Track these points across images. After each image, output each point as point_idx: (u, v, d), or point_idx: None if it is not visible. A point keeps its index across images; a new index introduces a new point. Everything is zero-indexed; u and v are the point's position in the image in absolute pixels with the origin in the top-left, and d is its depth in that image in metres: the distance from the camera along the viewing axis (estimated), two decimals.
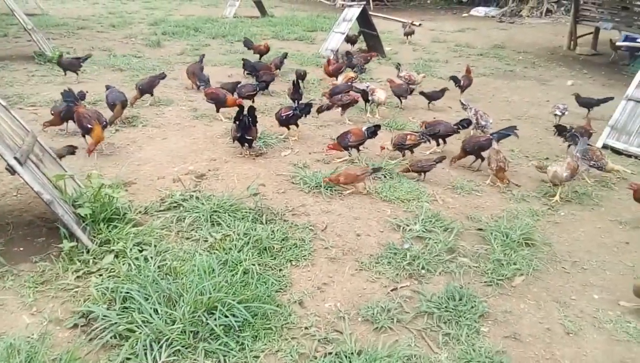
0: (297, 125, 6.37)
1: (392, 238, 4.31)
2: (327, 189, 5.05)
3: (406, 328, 3.28)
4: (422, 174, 5.48)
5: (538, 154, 6.47)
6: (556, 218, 4.85)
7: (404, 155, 5.95)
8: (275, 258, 3.90)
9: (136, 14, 16.76)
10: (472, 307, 3.43)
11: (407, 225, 4.48)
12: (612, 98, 7.68)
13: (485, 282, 3.80)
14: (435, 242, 4.20)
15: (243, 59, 9.32)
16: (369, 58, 10.26)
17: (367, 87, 7.60)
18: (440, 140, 6.28)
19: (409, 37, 13.10)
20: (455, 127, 6.23)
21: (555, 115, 7.47)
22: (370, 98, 7.42)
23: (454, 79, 8.78)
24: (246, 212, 4.42)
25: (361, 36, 12.51)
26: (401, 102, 8.10)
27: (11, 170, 3.49)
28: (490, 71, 11.17)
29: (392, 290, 3.63)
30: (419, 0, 23.62)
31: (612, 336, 3.32)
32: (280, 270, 3.78)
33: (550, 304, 3.60)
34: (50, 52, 9.75)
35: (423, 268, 3.89)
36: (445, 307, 3.42)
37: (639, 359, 3.14)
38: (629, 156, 6.46)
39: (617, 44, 12.04)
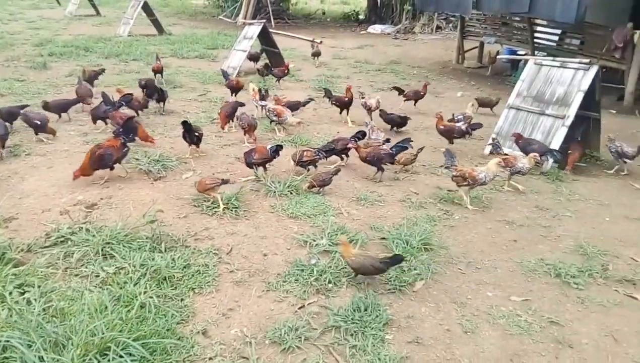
0: (197, 145, 6.20)
1: (299, 254, 4.31)
2: (231, 210, 4.95)
3: (314, 346, 3.26)
4: (322, 187, 5.54)
5: (433, 163, 6.83)
6: (451, 222, 5.13)
7: (308, 171, 6.00)
8: (176, 287, 3.72)
9: (19, 35, 15.49)
10: (377, 316, 3.50)
11: (314, 241, 4.50)
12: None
13: (388, 289, 3.90)
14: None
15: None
16: (285, 71, 10.49)
17: (266, 106, 7.60)
18: (343, 155, 6.43)
19: (316, 57, 13.26)
20: (352, 139, 6.44)
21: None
22: (274, 118, 7.43)
23: (398, 89, 9.46)
24: (143, 241, 4.19)
25: (264, 53, 12.56)
26: None
27: None
28: (388, 86, 11.68)
29: (299, 308, 3.61)
30: (319, 18, 24.27)
31: (506, 331, 3.54)
32: (181, 300, 3.61)
33: (448, 305, 3.77)
34: None
35: (330, 282, 3.92)
36: (352, 319, 3.46)
37: (531, 350, 3.37)
38: None
39: (497, 57, 13.17)
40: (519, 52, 13.27)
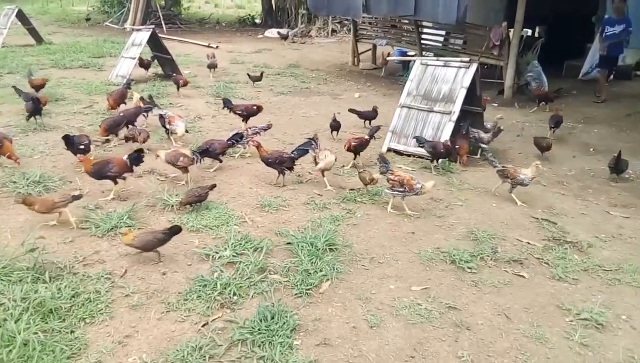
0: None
1: (202, 269, 4.15)
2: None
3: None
4: (197, 204, 5.24)
5: (335, 164, 6.92)
6: (354, 220, 5.24)
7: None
8: (64, 319, 3.41)
9: None
10: (284, 323, 3.46)
11: (217, 253, 4.36)
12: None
13: (295, 294, 3.88)
14: (246, 265, 4.17)
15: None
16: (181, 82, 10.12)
17: (165, 114, 7.27)
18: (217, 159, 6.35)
19: (212, 69, 12.43)
20: (229, 142, 6.46)
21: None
22: (167, 126, 7.12)
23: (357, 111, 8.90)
24: (23, 272, 3.79)
25: (155, 61, 12.03)
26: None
27: None
28: (288, 89, 11.74)
29: (203, 326, 3.47)
30: (214, 23, 23.80)
31: (408, 321, 3.68)
32: (71, 332, 3.32)
33: (354, 302, 3.84)
34: None
35: (235, 294, 3.81)
36: (258, 329, 3.39)
37: (432, 337, 3.52)
38: (409, 155, 7.36)
39: (388, 58, 13.78)
40: (409, 53, 13.99)
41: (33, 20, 16.11)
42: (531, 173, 5.81)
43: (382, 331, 3.55)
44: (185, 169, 5.80)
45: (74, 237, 4.46)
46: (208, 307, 3.66)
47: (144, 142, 6.69)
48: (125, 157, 5.41)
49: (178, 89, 10.27)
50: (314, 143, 6.17)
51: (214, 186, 5.41)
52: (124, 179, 5.43)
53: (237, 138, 6.48)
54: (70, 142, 5.90)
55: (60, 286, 3.69)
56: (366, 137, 6.91)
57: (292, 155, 6.11)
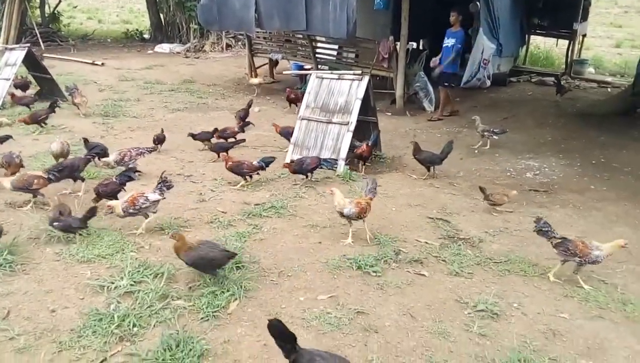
0: None
1: (96, 302, 3.84)
2: (4, 266, 4.16)
3: None
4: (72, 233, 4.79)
5: (238, 179, 6.81)
6: (261, 235, 5.17)
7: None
8: None
9: None
10: (191, 350, 3.31)
11: (112, 283, 4.06)
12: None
13: (201, 318, 3.73)
14: (146, 293, 3.93)
15: None
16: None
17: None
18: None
19: (80, 107, 9.90)
20: (88, 157, 6.26)
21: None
22: None
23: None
24: None
25: (33, 81, 11.05)
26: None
27: None
28: (184, 105, 11.39)
29: (101, 362, 3.19)
30: (99, 39, 22.45)
31: (319, 330, 3.68)
32: None
33: (264, 320, 3.71)
34: None
35: (134, 325, 3.57)
36: (163, 359, 3.20)
37: (343, 344, 3.55)
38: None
39: (285, 72, 13.95)
40: (305, 67, 14.26)
41: None
42: (609, 250, 4.38)
43: None
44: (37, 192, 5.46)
45: None
46: (105, 342, 3.39)
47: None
48: None
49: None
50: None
51: (94, 209, 4.93)
52: None
53: (99, 150, 6.36)
54: None
55: None
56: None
57: (116, 180, 5.70)
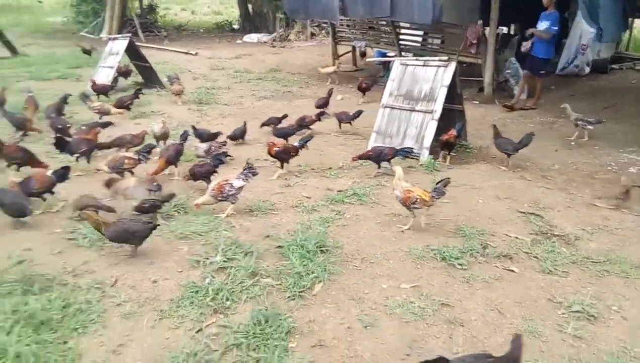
0: None
1: (193, 276, 4.11)
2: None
3: None
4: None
5: (322, 166, 6.94)
6: (343, 221, 5.24)
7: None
8: (56, 330, 3.35)
9: None
10: (279, 326, 3.45)
11: (207, 259, 4.32)
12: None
13: (288, 297, 3.87)
14: (237, 270, 4.14)
15: None
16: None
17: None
18: None
19: (179, 96, 10.46)
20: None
21: None
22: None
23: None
24: (12, 285, 3.72)
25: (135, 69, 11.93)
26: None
27: None
28: (270, 93, 11.75)
29: (197, 332, 3.44)
30: (192, 29, 23.66)
31: (402, 319, 3.69)
32: (64, 342, 3.26)
33: (347, 303, 3.84)
34: None
35: (227, 299, 3.78)
36: (253, 333, 3.37)
37: (426, 334, 3.53)
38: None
39: (368, 59, 13.88)
40: (388, 54, 14.10)
41: (6, 33, 15.78)
42: None
43: (377, 330, 3.55)
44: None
45: (63, 248, 4.39)
46: (201, 313, 3.63)
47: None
48: (49, 172, 5.35)
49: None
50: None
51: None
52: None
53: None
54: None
55: (50, 297, 3.62)
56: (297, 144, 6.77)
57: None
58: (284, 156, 6.54)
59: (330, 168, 6.83)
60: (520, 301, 3.95)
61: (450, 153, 7.22)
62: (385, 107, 7.86)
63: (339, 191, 6.00)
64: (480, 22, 11.01)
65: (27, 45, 17.24)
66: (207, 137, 7.40)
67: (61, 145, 6.30)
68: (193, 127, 7.52)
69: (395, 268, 4.38)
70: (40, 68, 13.07)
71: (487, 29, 11.00)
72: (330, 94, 10.00)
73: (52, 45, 17.92)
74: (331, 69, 13.50)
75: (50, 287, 3.82)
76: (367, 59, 13.67)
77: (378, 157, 6.68)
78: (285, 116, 8.58)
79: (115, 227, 4.26)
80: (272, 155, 6.56)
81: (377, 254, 4.58)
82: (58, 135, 6.59)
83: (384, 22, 13.65)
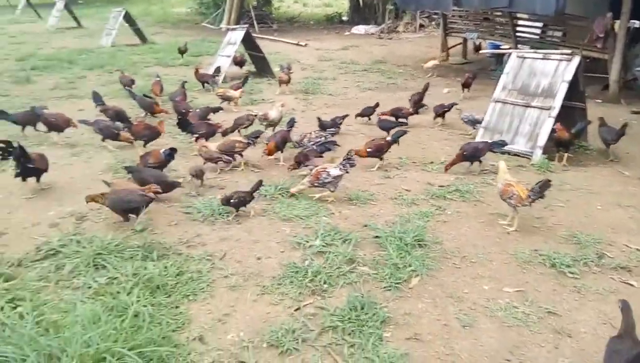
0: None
1: (294, 257, 4.28)
2: (222, 216, 4.91)
3: (312, 347, 3.24)
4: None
5: (423, 160, 6.82)
6: (444, 217, 5.12)
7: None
8: (170, 295, 3.68)
9: (1, 50, 15.32)
10: (374, 314, 3.48)
11: (307, 242, 4.48)
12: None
13: (384, 287, 3.88)
14: (335, 255, 4.24)
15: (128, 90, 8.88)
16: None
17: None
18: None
19: (283, 86, 10.69)
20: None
21: (465, 122, 7.91)
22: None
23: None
24: (134, 250, 4.14)
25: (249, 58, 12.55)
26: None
27: None
28: (375, 85, 11.73)
29: (295, 310, 3.58)
30: (303, 21, 24.31)
31: (504, 323, 3.54)
32: (176, 307, 3.57)
33: (445, 300, 3.76)
34: None
35: (325, 282, 3.89)
36: (349, 318, 3.44)
37: (529, 342, 3.36)
38: (502, 153, 7.05)
39: (481, 51, 13.27)
40: (502, 47, 13.36)
41: (138, 22, 17.40)
42: None
43: (475, 331, 3.44)
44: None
45: (179, 221, 4.79)
46: (300, 292, 3.77)
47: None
48: (162, 151, 5.76)
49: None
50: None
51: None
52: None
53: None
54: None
55: (166, 264, 3.98)
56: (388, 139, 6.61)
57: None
58: (377, 155, 6.48)
59: (432, 162, 6.69)
60: (637, 317, 3.59)
61: (567, 153, 6.70)
62: (497, 101, 7.50)
63: (441, 186, 5.86)
64: (609, 14, 10.01)
65: (155, 34, 18.90)
66: (329, 126, 7.47)
67: (184, 126, 6.84)
68: (318, 119, 7.68)
69: (498, 270, 4.20)
70: (165, 55, 14.26)
71: (617, 22, 9.98)
72: (426, 88, 9.69)
73: (177, 35, 19.42)
74: (432, 63, 13.13)
75: (167, 255, 4.20)
76: (481, 52, 13.07)
77: (473, 155, 6.34)
78: (377, 105, 8.54)
79: (113, 197, 4.63)
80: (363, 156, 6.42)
81: (479, 254, 4.42)
82: (180, 116, 7.16)
83: (499, 13, 12.96)
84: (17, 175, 5.25)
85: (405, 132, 6.88)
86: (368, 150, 6.34)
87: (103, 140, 6.69)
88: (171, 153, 5.75)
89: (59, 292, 3.62)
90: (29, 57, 13.68)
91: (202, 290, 3.77)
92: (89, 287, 3.66)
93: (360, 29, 20.96)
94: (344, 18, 24.55)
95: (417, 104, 9.05)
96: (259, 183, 5.08)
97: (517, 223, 4.84)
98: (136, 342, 2.98)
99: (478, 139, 7.30)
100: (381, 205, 5.41)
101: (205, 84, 10.60)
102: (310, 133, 6.76)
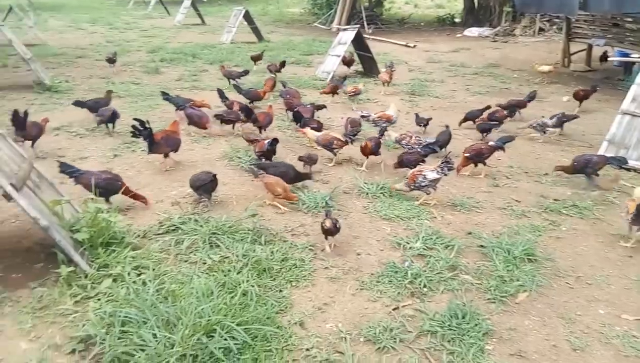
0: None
1: (393, 256, 4.28)
2: (323, 209, 5.04)
3: (409, 348, 3.22)
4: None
5: (537, 170, 6.44)
6: (558, 233, 4.81)
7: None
8: (274, 279, 3.86)
9: (134, 42, 16.96)
10: (476, 325, 3.37)
11: (408, 243, 4.45)
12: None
13: (488, 299, 3.74)
14: (437, 260, 4.16)
15: (234, 85, 9.40)
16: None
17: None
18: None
19: (385, 84, 10.68)
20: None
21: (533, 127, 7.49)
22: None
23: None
24: (245, 233, 4.41)
25: (357, 58, 12.66)
26: None
27: (7, 197, 3.47)
28: (485, 89, 11.26)
29: (393, 310, 3.59)
30: (413, 22, 23.98)
31: (620, 352, 3.26)
32: (280, 291, 3.74)
33: (555, 320, 3.54)
34: (49, 80, 9.84)
35: (425, 286, 3.84)
36: (449, 325, 3.37)
37: None
38: (628, 170, 6.44)
39: (610, 58, 12.17)
40: (633, 55, 12.14)
41: (255, 20, 18.29)
42: None
43: (588, 356, 3.20)
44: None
45: (285, 210, 5.00)
46: (398, 292, 3.76)
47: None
48: (265, 141, 5.97)
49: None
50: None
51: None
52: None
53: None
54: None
55: (272, 249, 4.19)
56: (491, 143, 6.24)
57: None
58: (477, 159, 6.19)
59: (546, 174, 6.29)
60: None
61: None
62: (625, 113, 6.85)
63: (555, 200, 5.50)
64: None
65: (271, 33, 19.75)
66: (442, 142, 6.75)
67: (297, 118, 7.30)
68: (416, 115, 7.74)
69: (617, 295, 3.86)
70: (278, 53, 14.86)
71: None
72: (532, 96, 9.06)
73: (290, 34, 20.15)
74: (547, 68, 12.24)
75: (273, 241, 4.41)
76: (609, 58, 11.99)
77: (584, 167, 5.84)
78: (487, 107, 8.19)
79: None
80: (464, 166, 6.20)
81: (597, 276, 4.09)
82: (295, 110, 7.55)
83: (630, 19, 11.80)
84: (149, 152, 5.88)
85: (512, 139, 6.55)
86: (466, 155, 6.13)
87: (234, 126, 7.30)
88: (273, 143, 6.01)
89: (177, 265, 3.96)
90: (158, 50, 14.99)
91: (304, 278, 3.90)
92: (204, 263, 3.96)
93: (473, 31, 20.20)
94: (456, 20, 23.83)
95: (510, 107, 8.59)
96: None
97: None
98: (243, 319, 3.18)
99: (602, 151, 6.74)
100: (487, 214, 5.21)
101: (231, 81, 10.46)
102: (411, 137, 6.60)
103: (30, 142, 6.18)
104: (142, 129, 5.77)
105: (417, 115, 7.99)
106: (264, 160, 5.93)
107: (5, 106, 8.56)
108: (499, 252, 4.30)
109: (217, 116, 7.33)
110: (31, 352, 3.05)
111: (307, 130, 6.67)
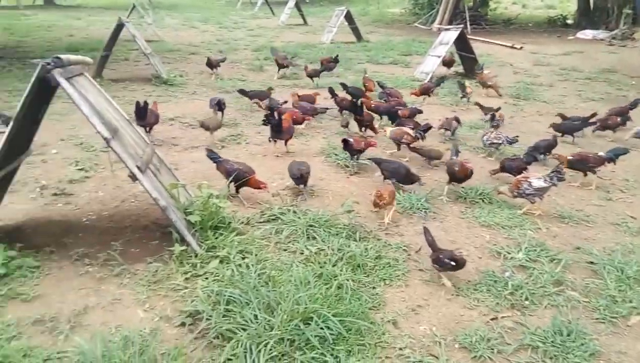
0: None
1: (492, 265, 4.14)
2: (421, 210, 5.00)
3: (507, 361, 3.11)
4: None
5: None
6: None
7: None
8: (368, 275, 3.90)
9: (241, 41, 17.84)
10: (582, 344, 3.17)
11: (509, 253, 4.28)
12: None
13: (596, 318, 3.50)
14: (541, 273, 3.96)
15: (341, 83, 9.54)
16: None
17: None
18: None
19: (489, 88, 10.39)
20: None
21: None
22: None
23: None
24: (340, 228, 4.49)
25: (458, 59, 12.31)
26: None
27: (133, 177, 3.84)
28: (599, 96, 10.44)
29: (491, 319, 3.47)
30: (520, 23, 22.76)
31: None
32: (373, 288, 3.77)
33: None
34: (165, 74, 10.68)
35: (527, 299, 3.68)
36: (552, 341, 3.20)
37: None
38: None
39: None
40: None
41: (355, 21, 18.42)
42: None
43: None
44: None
45: (380, 209, 5.02)
46: (497, 303, 3.63)
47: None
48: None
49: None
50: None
51: None
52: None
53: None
54: None
55: (367, 246, 4.23)
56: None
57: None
58: (581, 167, 5.80)
59: None
60: None
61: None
62: None
63: None
64: None
65: (370, 33, 19.81)
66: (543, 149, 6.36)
67: (393, 118, 7.48)
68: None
69: None
70: (377, 53, 14.87)
71: None
72: (635, 104, 8.21)
73: (389, 34, 20.07)
74: None
75: (368, 238, 4.45)
76: None
77: None
78: (594, 114, 7.65)
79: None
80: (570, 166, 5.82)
81: None
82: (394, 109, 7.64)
83: None
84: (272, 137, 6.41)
85: (627, 151, 6.01)
86: (569, 158, 5.79)
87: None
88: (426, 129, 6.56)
89: (277, 252, 4.14)
90: (262, 48, 15.65)
91: (397, 278, 3.90)
92: (301, 253, 4.10)
93: (587, 33, 18.77)
94: (569, 21, 22.27)
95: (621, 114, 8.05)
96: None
97: None
98: (338, 310, 3.25)
99: None
100: (598, 229, 4.85)
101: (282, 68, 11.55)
102: (492, 132, 6.72)
103: (147, 129, 6.77)
104: (272, 117, 6.31)
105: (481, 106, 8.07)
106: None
107: (126, 96, 9.44)
108: (610, 270, 4.00)
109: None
110: (145, 321, 3.35)
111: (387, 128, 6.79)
